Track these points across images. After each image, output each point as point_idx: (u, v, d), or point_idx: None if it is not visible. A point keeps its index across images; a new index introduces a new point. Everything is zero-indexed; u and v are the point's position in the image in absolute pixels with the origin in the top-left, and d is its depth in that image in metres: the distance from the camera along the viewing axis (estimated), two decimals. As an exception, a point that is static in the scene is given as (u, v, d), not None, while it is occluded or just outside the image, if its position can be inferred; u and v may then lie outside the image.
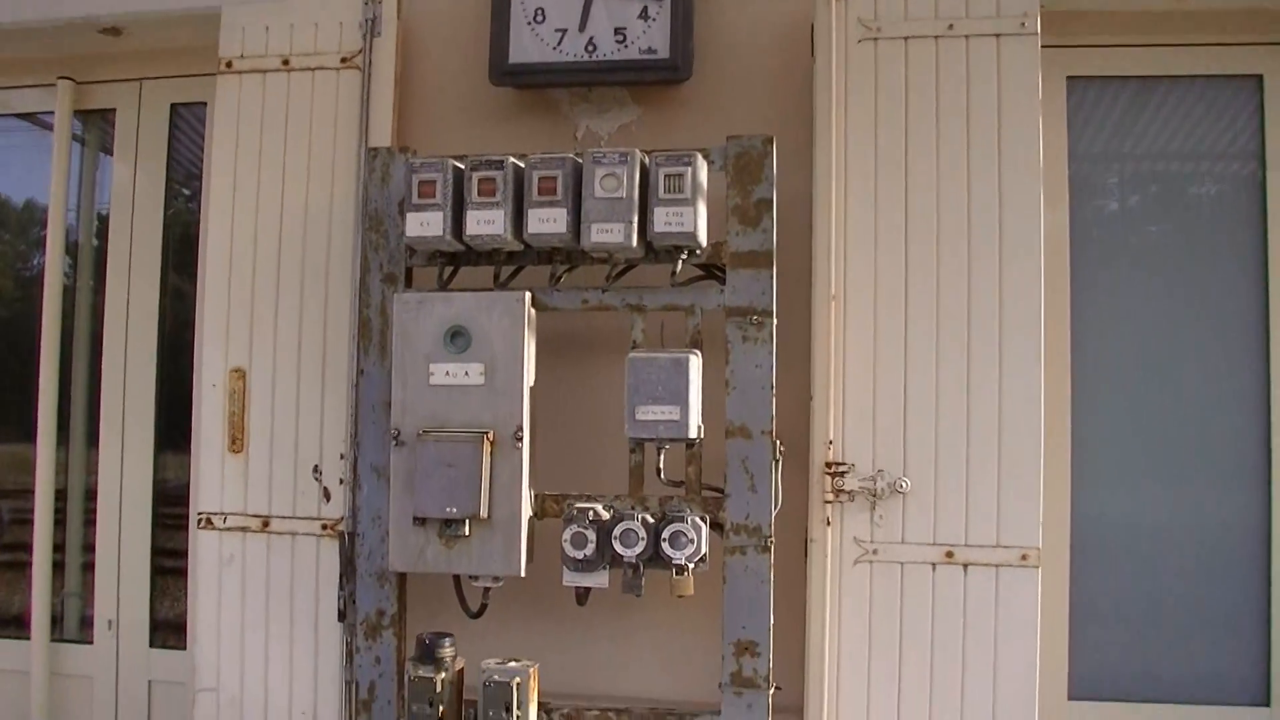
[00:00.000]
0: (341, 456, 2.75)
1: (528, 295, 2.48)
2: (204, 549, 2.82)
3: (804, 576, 2.62)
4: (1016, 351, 2.55)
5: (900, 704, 2.55)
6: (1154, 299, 2.90)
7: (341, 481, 2.75)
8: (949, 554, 2.54)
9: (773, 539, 2.43)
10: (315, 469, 2.77)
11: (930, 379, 2.56)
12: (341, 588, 2.69)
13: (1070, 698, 2.81)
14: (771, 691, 2.44)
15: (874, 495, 2.56)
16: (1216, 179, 2.93)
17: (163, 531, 3.33)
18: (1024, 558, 2.52)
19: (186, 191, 3.35)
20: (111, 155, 3.33)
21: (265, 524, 2.80)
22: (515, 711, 2.36)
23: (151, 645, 3.25)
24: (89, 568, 3.33)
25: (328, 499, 2.76)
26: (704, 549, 2.39)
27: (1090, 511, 2.86)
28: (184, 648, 3.12)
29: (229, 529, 2.81)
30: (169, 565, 3.32)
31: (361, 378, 2.62)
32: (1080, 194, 2.90)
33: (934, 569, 2.55)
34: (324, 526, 2.76)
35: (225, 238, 2.86)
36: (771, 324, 2.45)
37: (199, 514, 2.82)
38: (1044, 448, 2.55)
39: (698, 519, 2.40)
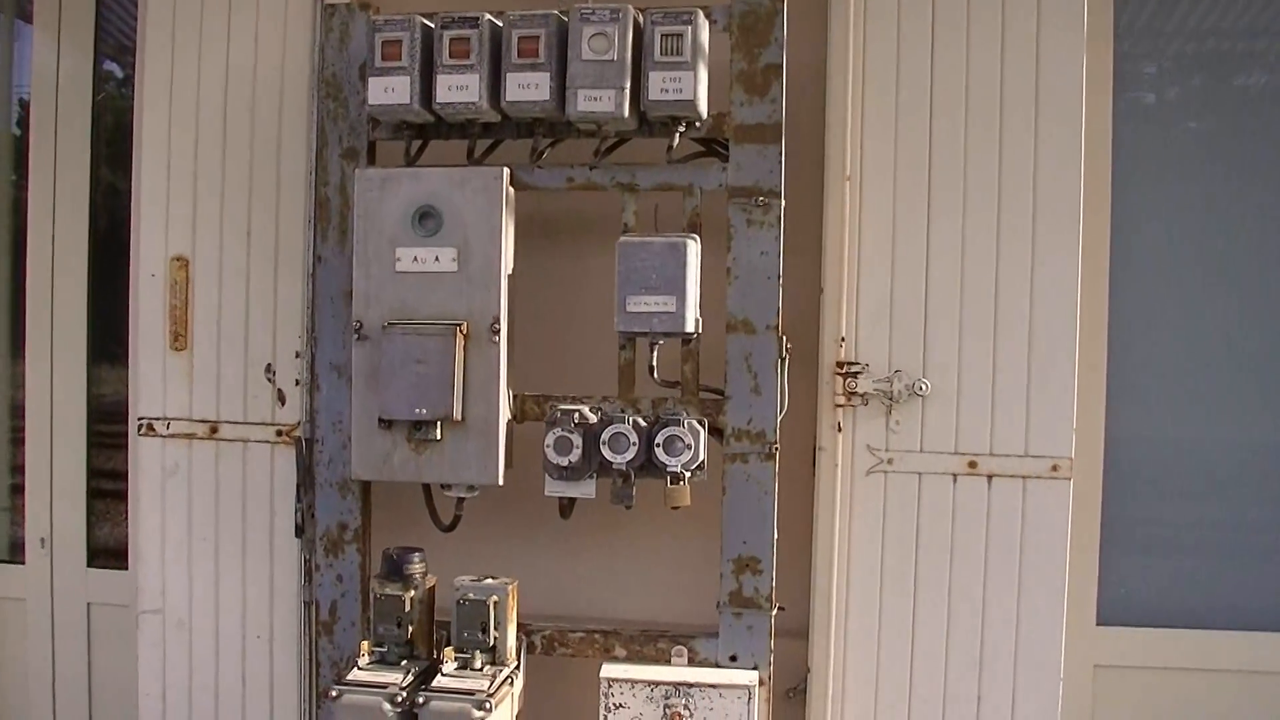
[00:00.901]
0: (297, 354, 2.74)
1: (506, 172, 2.44)
2: (146, 458, 2.82)
3: (811, 488, 2.63)
4: (1051, 241, 2.53)
5: (915, 627, 2.59)
6: (1204, 193, 2.88)
7: (298, 382, 2.75)
8: (972, 464, 2.56)
9: (777, 445, 2.44)
10: (268, 368, 2.77)
11: (955, 270, 2.55)
12: (299, 499, 2.70)
13: (1098, 623, 2.85)
14: (774, 613, 2.47)
15: (890, 399, 2.57)
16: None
17: (101, 452, 3.32)
18: (1054, 469, 2.54)
19: (119, 72, 3.29)
20: (31, 24, 3.25)
21: (213, 430, 2.79)
22: (492, 633, 2.38)
23: (90, 567, 3.26)
24: (18, 490, 3.33)
25: (282, 402, 2.76)
26: (702, 456, 2.40)
27: (1125, 425, 2.87)
28: (126, 568, 3.13)
29: (173, 435, 2.81)
30: (108, 488, 3.32)
31: (319, 265, 2.60)
32: (1125, 76, 2.86)
33: (955, 480, 2.57)
34: (279, 432, 2.76)
35: (163, 108, 2.81)
36: (779, 206, 2.43)
37: (139, 419, 2.82)
38: (1078, 350, 2.55)
39: (695, 423, 2.40)
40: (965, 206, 2.56)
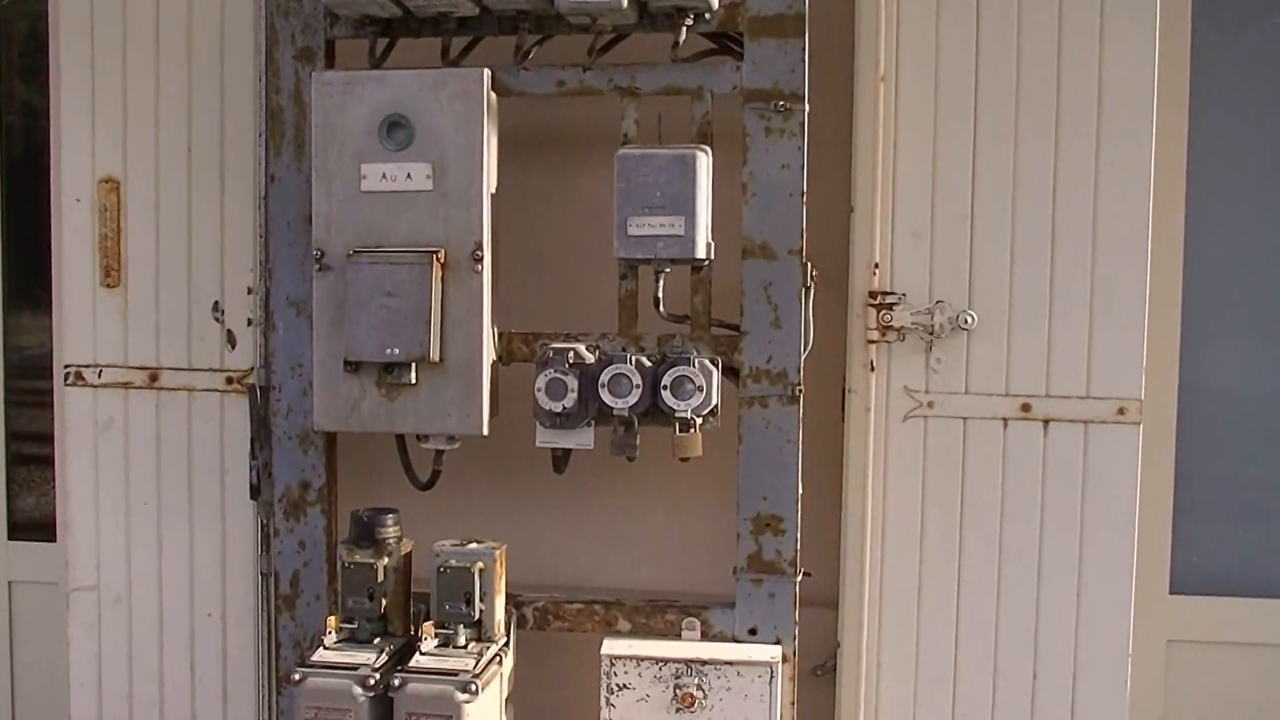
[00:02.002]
0: (249, 289, 2.82)
1: (487, 74, 2.50)
2: (74, 411, 2.90)
3: (840, 435, 2.72)
4: (1119, 148, 2.59)
5: (960, 595, 2.68)
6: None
7: (250, 321, 2.82)
8: (1025, 407, 2.64)
9: (801, 387, 2.51)
10: (215, 306, 2.84)
11: (1006, 185, 2.62)
12: (254, 456, 2.77)
13: (1172, 591, 2.95)
14: (799, 579, 2.55)
15: (930, 333, 2.65)
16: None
17: (22, 411, 3.41)
18: (1121, 412, 2.62)
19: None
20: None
21: (153, 378, 2.88)
22: (477, 604, 2.45)
23: (11, 540, 3.37)
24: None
25: (233, 344, 2.84)
26: (715, 399, 2.48)
27: (1202, 368, 2.95)
28: (53, 541, 3.21)
29: (106, 385, 2.89)
30: (31, 452, 3.42)
31: (272, 185, 2.66)
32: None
33: (1005, 425, 2.65)
34: (229, 379, 2.84)
35: (84, 10, 2.84)
36: (802, 112, 2.48)
37: (66, 367, 2.89)
38: (1149, 278, 2.62)
39: (707, 362, 2.48)
40: (1018, 110, 2.61)
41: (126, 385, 2.88)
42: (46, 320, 3.21)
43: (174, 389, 2.86)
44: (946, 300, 2.64)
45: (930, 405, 2.66)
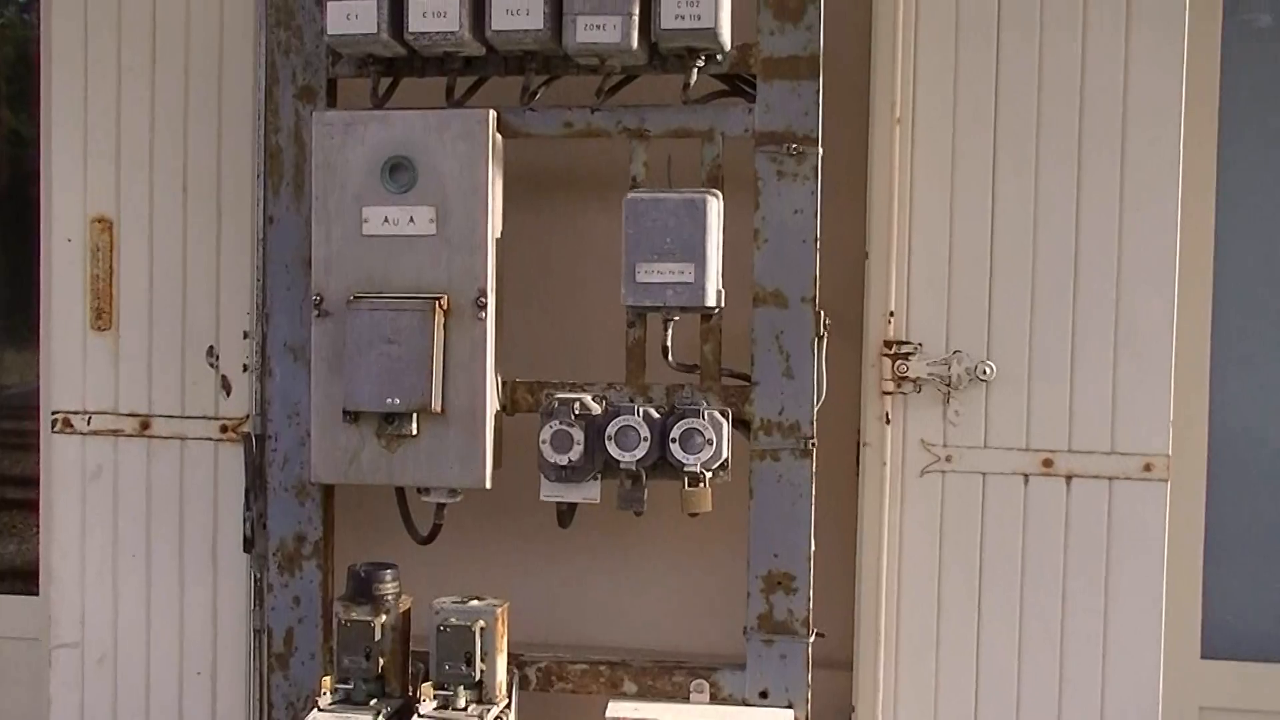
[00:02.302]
0: (246, 334, 2.88)
1: (492, 115, 2.56)
2: (61, 459, 2.95)
3: (854, 490, 2.76)
4: (1145, 192, 2.65)
5: (979, 659, 2.71)
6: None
7: (246, 367, 2.88)
8: (1047, 462, 2.68)
9: (814, 440, 2.55)
10: (210, 351, 2.91)
11: (1025, 230, 2.68)
12: (248, 507, 2.81)
13: (1203, 655, 2.95)
14: (811, 639, 2.58)
15: (948, 384, 2.70)
16: None
17: (6, 454, 3.48)
18: (1148, 468, 2.66)
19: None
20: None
21: (144, 425, 2.94)
22: (478, 664, 2.48)
23: (-9, 593, 3.41)
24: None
25: (228, 391, 2.90)
26: (725, 453, 2.51)
27: (1234, 416, 2.98)
28: (35, 594, 3.23)
29: (95, 432, 2.95)
30: (14, 497, 3.47)
31: (270, 227, 2.72)
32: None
33: (1026, 481, 2.69)
34: (224, 427, 2.90)
35: (76, 37, 2.93)
36: (816, 155, 2.53)
37: (53, 413, 2.95)
38: (1177, 324, 2.66)
39: (716, 413, 2.52)
40: (1038, 153, 2.67)
41: (116, 432, 2.93)
42: (31, 357, 3.26)
43: (166, 437, 2.92)
44: (964, 350, 2.69)
45: (948, 459, 2.70)
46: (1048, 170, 2.68)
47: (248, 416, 2.87)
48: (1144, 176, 2.65)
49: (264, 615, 2.80)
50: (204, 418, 2.91)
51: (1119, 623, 2.67)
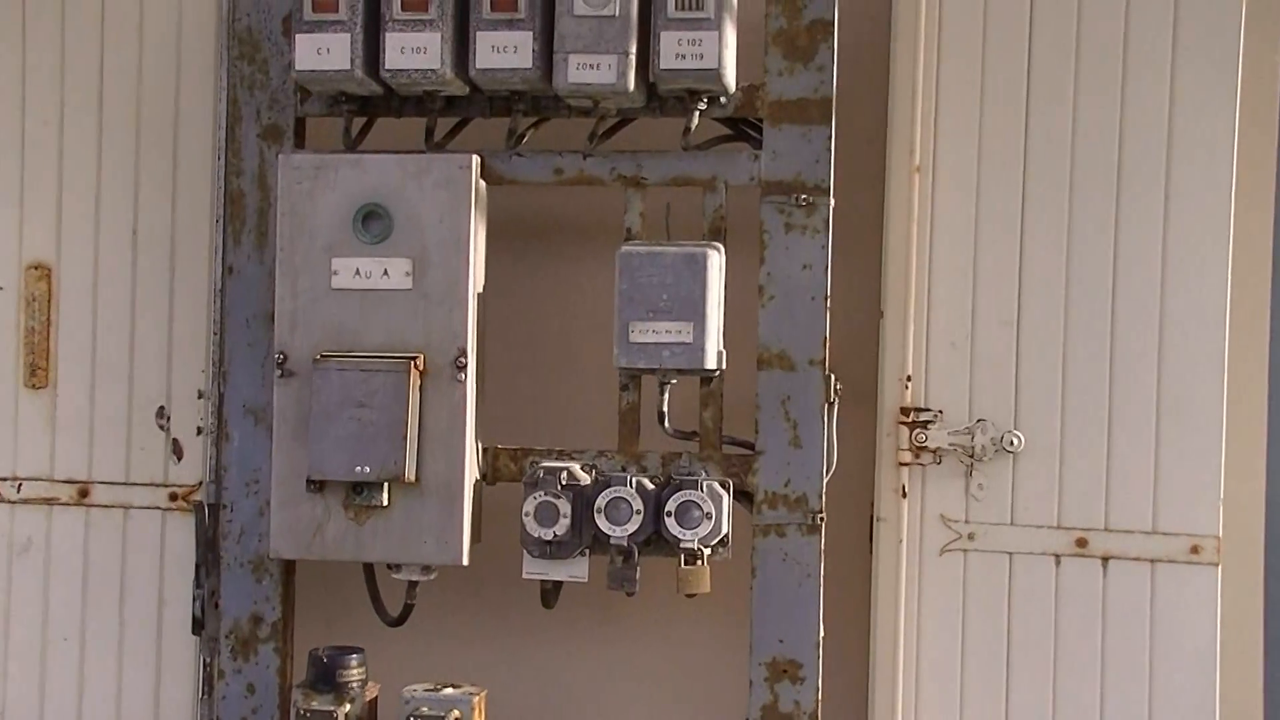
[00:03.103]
0: (200, 394, 3.02)
1: (476, 161, 2.71)
2: (-11, 530, 3.06)
3: (868, 570, 2.91)
4: (1192, 250, 2.79)
5: None
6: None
7: (200, 430, 3.03)
8: (1081, 541, 2.83)
9: (823, 515, 2.67)
10: (160, 412, 3.06)
11: (1057, 287, 2.83)
12: (199, 584, 2.93)
13: (1266, 762, 3.06)
14: None
15: (971, 455, 2.85)
16: None
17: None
18: (1195, 550, 2.80)
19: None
20: None
21: (83, 493, 3.08)
22: None
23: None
24: None
25: (179, 456, 3.04)
26: (725, 528, 2.64)
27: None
28: (-44, 676, 3.31)
29: (26, 500, 3.09)
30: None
31: (230, 278, 2.86)
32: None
33: (1058, 563, 2.84)
34: (173, 495, 3.04)
35: (13, 64, 3.08)
36: (827, 206, 2.67)
37: (-18, 479, 3.07)
38: (1228, 392, 2.79)
39: (716, 485, 2.65)
40: (1073, 203, 2.83)
41: (51, 501, 3.07)
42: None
43: (107, 506, 3.05)
44: (989, 418, 2.84)
45: (971, 537, 2.85)
46: (1083, 222, 2.83)
47: (200, 484, 3.00)
48: (1191, 229, 2.79)
49: (214, 705, 2.91)
50: (151, 484, 3.04)
51: (1162, 718, 2.79)
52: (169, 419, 3.06)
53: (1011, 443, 2.85)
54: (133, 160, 3.08)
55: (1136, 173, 2.82)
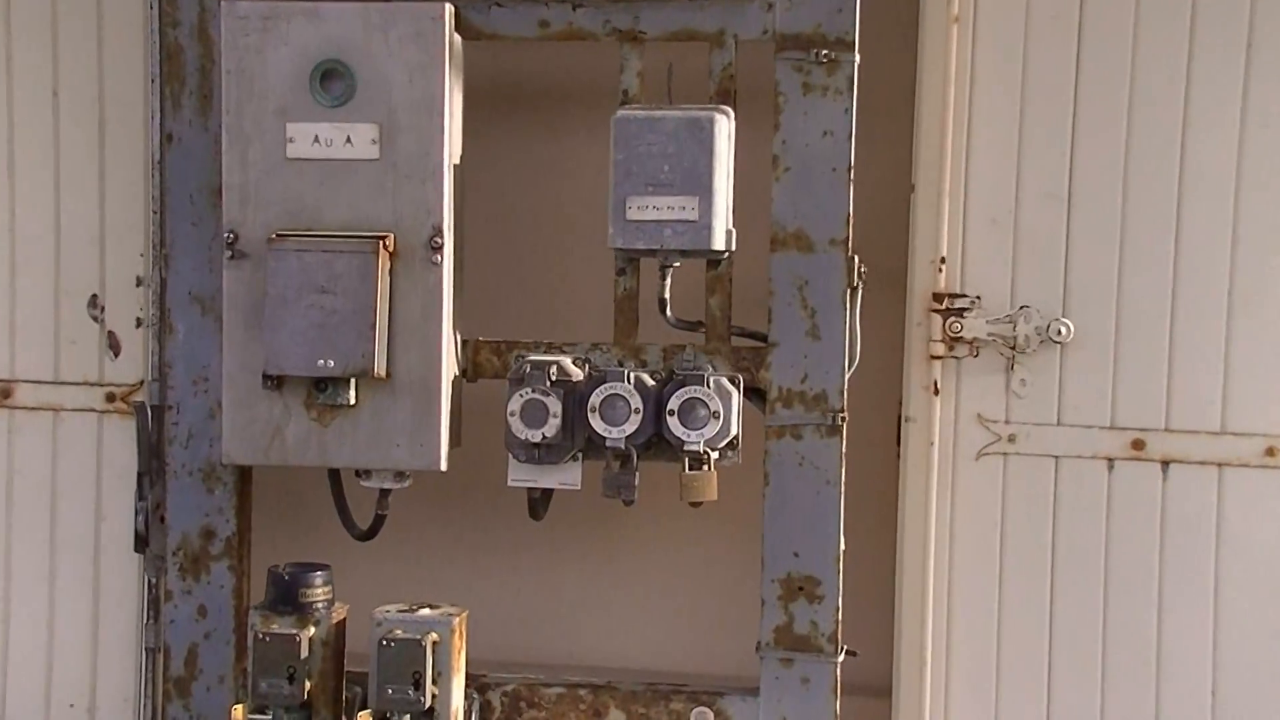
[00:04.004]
0: (139, 281, 3.16)
1: (449, 10, 2.80)
2: (-103, 435, 3.16)
3: (894, 476, 3.06)
4: (1276, 106, 2.88)
5: (1051, 686, 3.02)
6: None
7: (140, 322, 3.17)
8: (1137, 444, 2.99)
9: (844, 414, 2.80)
10: (93, 301, 3.20)
11: (1116, 156, 2.96)
12: (141, 496, 3.05)
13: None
14: (840, 659, 2.84)
15: (1012, 347, 3.00)
16: None
17: None
18: (1270, 453, 2.96)
19: None
20: None
21: (5, 394, 3.24)
22: (429, 688, 2.75)
23: None
24: None
25: (116, 351, 3.20)
26: (734, 429, 2.79)
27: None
28: None
29: (-62, 402, 3.16)
30: None
31: (170, 148, 2.99)
32: None
33: (1111, 467, 3.00)
34: (110, 396, 3.20)
35: None
36: (851, 64, 2.78)
37: (-115, 379, 3.17)
38: None
39: (725, 381, 2.80)
40: (1135, 56, 2.95)
41: None
42: None
43: (33, 408, 3.21)
44: (1033, 305, 2.99)
45: (1011, 440, 3.01)
46: (1146, 78, 2.95)
47: (141, 383, 3.15)
48: (1277, 84, 2.90)
49: (159, 631, 3.05)
50: (85, 384, 3.19)
51: (1231, 645, 2.96)
52: (103, 309, 3.19)
53: (1059, 332, 2.99)
54: (48, 7, 3.17)
55: (1211, 17, 2.92)
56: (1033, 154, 3.00)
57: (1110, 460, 3.01)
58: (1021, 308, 3.02)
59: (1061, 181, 2.99)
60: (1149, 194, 2.97)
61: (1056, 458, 3.02)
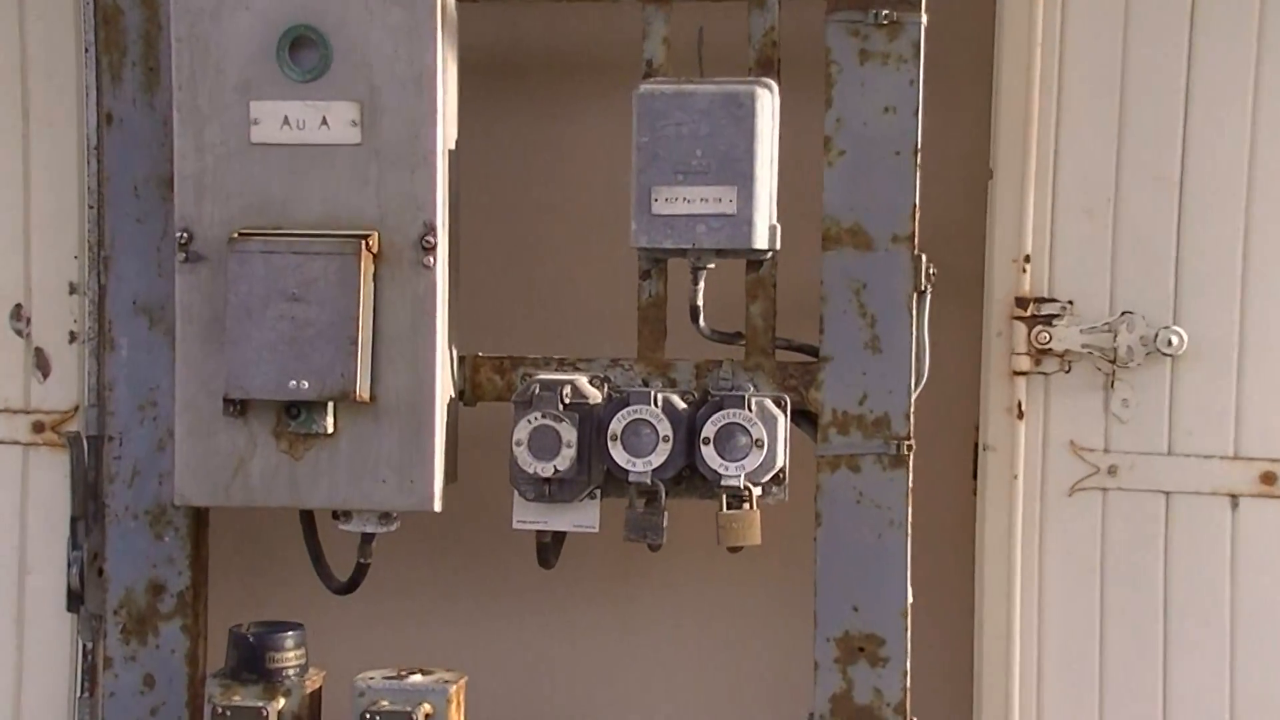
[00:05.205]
0: (72, 288, 3.38)
1: None
2: None
3: (971, 515, 3.26)
4: None
5: None
6: None
7: (73, 337, 3.40)
8: (1267, 477, 3.20)
9: (911, 443, 3.00)
10: (16, 313, 3.44)
11: (1240, 133, 3.19)
12: (76, 544, 3.27)
13: None
14: None
15: (1112, 361, 3.21)
16: None
17: None
18: None
19: None
20: None
21: None
22: None
23: None
24: None
25: (45, 372, 3.45)
26: (781, 459, 3.00)
27: None
28: None
29: None
30: None
31: (109, 131, 3.21)
32: None
33: (1235, 505, 3.23)
34: (38, 426, 3.44)
35: None
36: (918, 27, 2.99)
37: None
38: None
39: (769, 402, 3.01)
40: (1263, 14, 3.14)
41: None
42: None
43: None
44: (1137, 311, 3.20)
45: (1112, 472, 3.22)
46: (1275, 40, 3.17)
47: (76, 409, 3.39)
48: None
49: (96, 706, 3.28)
50: (6, 411, 3.42)
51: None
52: (29, 322, 3.44)
53: (1169, 343, 3.21)
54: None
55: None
56: (1137, 130, 3.17)
57: (1234, 497, 3.20)
58: (1123, 314, 3.21)
59: (1172, 163, 3.17)
60: (1274, 180, 3.13)
61: (1167, 494, 3.20)
